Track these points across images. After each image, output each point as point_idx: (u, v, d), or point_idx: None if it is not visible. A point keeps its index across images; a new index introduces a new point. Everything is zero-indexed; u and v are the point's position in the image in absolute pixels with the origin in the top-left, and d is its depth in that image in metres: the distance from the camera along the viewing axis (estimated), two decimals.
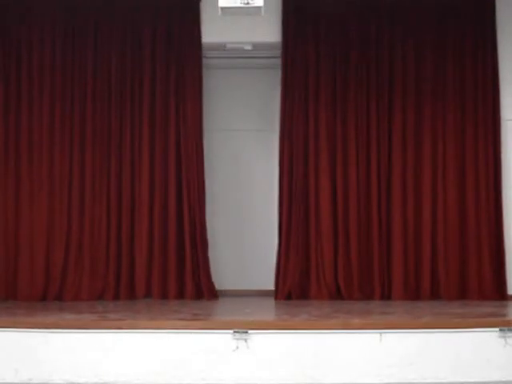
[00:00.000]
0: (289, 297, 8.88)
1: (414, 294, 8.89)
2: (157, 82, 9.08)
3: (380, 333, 6.61)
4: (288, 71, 9.07)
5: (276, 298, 8.88)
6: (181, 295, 8.92)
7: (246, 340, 6.57)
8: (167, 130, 9.07)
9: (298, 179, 8.99)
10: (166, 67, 9.09)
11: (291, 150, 9.02)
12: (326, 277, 8.89)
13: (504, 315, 7.75)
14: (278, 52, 9.20)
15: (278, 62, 9.21)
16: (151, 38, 9.08)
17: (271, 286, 9.03)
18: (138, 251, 8.95)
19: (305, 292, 8.92)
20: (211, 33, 9.09)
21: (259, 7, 7.19)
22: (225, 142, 9.74)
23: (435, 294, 8.88)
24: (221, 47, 9.34)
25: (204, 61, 9.24)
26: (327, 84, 9.06)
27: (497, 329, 6.65)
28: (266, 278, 9.17)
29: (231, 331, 6.58)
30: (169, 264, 8.97)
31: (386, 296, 8.91)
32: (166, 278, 8.97)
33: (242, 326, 6.61)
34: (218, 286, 9.13)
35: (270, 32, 9.12)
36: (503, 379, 6.57)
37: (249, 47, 9.33)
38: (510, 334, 6.63)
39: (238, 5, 7.15)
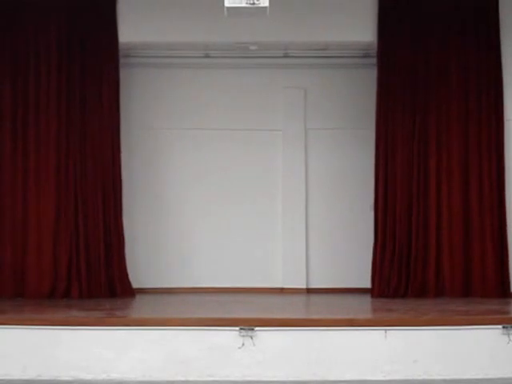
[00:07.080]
0: (384, 294, 8.88)
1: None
2: (75, 82, 9.07)
3: (385, 330, 6.67)
4: (383, 72, 9.03)
5: (372, 296, 8.89)
6: (96, 293, 8.90)
7: (251, 337, 6.60)
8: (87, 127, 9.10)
9: (393, 179, 9.01)
10: (82, 64, 9.07)
11: (386, 151, 9.02)
12: (424, 274, 8.93)
13: (507, 312, 7.78)
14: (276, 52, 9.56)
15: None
16: (67, 39, 9.06)
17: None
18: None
19: (399, 290, 8.94)
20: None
21: (265, 7, 7.21)
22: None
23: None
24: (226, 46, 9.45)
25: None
26: (421, 85, 9.06)
27: (500, 326, 6.68)
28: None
29: (237, 328, 6.62)
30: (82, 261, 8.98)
31: None
32: (80, 275, 8.95)
33: (248, 323, 6.65)
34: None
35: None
36: (506, 376, 6.60)
37: (254, 47, 9.41)
38: None
39: (244, 5, 7.17)
